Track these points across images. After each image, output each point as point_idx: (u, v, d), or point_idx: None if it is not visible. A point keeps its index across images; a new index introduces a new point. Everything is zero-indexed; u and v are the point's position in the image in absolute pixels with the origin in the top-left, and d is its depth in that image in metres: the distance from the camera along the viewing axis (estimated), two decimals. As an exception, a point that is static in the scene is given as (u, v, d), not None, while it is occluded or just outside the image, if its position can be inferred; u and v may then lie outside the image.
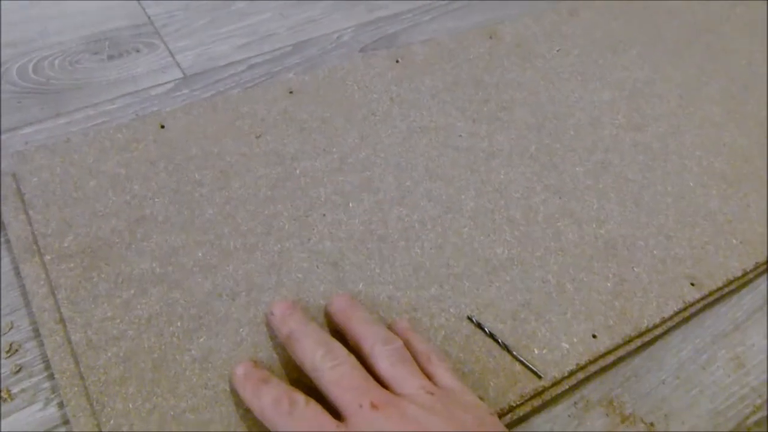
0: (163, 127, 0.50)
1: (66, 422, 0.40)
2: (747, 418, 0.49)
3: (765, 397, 0.50)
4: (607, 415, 0.47)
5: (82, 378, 0.40)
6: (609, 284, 0.48)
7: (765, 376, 0.51)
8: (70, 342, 0.41)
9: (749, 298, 0.55)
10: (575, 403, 0.47)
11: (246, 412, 0.39)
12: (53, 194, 0.46)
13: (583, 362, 0.44)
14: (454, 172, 0.52)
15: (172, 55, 0.59)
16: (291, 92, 0.54)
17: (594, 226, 0.51)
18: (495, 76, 0.62)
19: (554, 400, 0.46)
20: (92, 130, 0.50)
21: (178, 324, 0.42)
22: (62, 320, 0.41)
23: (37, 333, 0.43)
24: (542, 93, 0.60)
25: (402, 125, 0.54)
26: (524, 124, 0.57)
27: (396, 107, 0.55)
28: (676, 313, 0.49)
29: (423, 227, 0.48)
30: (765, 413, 0.49)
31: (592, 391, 0.47)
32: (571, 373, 0.45)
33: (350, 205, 0.48)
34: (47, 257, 0.43)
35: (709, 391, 0.49)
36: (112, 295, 0.42)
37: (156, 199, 0.46)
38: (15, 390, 0.41)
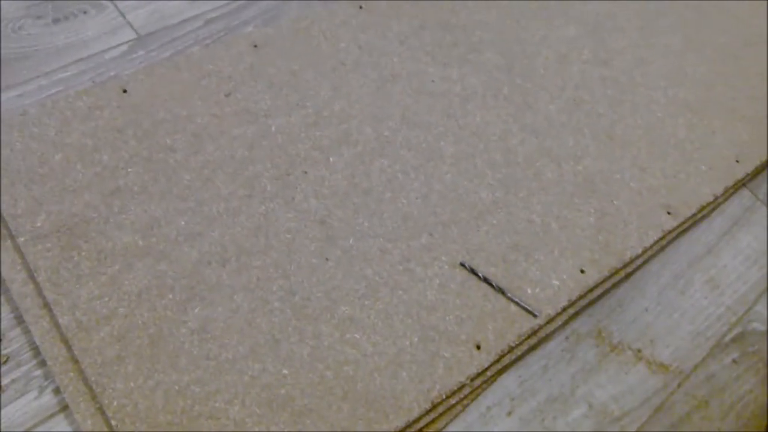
0: (125, 91, 0.48)
1: (64, 408, 0.39)
2: (724, 335, 0.51)
3: (739, 314, 0.52)
4: (597, 345, 0.48)
5: (76, 362, 0.38)
6: (591, 219, 0.49)
7: (738, 295, 0.53)
8: (58, 326, 0.39)
9: (719, 221, 0.57)
10: (567, 337, 0.48)
11: (252, 380, 0.39)
12: (17, 172, 0.43)
13: (574, 297, 0.45)
14: (431, 118, 0.51)
15: (122, 14, 0.56)
16: (255, 46, 0.52)
17: (572, 163, 0.52)
18: (461, 17, 0.61)
19: (547, 337, 0.47)
20: (49, 101, 0.46)
21: (170, 296, 0.40)
22: (47, 304, 0.39)
23: (19, 320, 0.41)
24: (509, 33, 0.59)
25: (373, 74, 0.53)
26: (494, 65, 0.56)
27: (365, 56, 0.54)
28: (656, 242, 0.50)
29: (406, 177, 0.48)
30: (740, 329, 0.52)
31: (581, 324, 0.49)
32: (564, 309, 0.45)
33: (331, 159, 0.47)
34: (21, 239, 0.41)
35: (688, 314, 0.51)
36: (97, 273, 0.40)
37: (129, 169, 0.44)
38: (5, 381, 0.39)
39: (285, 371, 0.39)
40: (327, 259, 0.43)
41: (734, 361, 0.50)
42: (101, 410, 0.37)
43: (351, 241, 0.44)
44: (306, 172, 0.46)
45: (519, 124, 0.53)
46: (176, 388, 0.38)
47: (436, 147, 0.50)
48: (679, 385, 0.48)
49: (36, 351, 0.40)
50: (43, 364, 0.40)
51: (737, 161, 0.56)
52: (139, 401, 0.37)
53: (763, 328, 0.52)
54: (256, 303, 0.41)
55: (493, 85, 0.55)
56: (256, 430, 0.37)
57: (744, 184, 0.59)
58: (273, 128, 0.48)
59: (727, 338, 0.51)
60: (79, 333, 0.38)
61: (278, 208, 0.44)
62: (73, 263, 0.40)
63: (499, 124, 0.52)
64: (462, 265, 0.45)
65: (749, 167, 0.56)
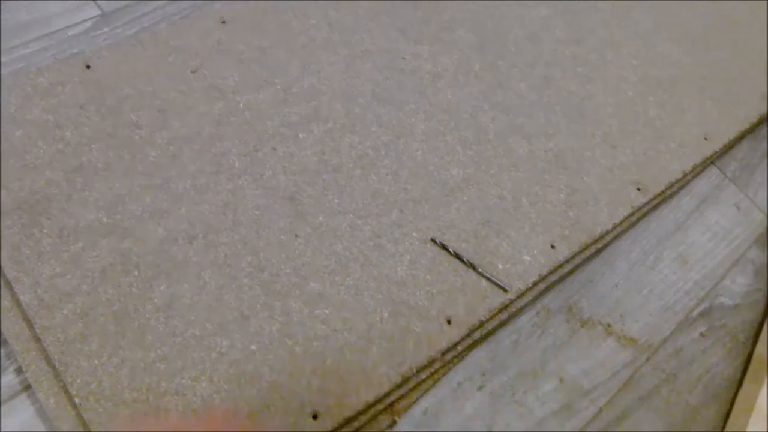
0: (88, 67, 0.46)
1: (27, 387, 0.38)
2: (692, 309, 0.52)
3: (707, 289, 0.53)
4: (567, 321, 0.48)
5: (38, 340, 0.37)
6: (562, 195, 0.49)
7: (706, 270, 0.54)
8: (19, 304, 0.38)
9: (687, 199, 0.57)
10: (537, 312, 0.48)
11: (220, 356, 0.38)
12: (-24, 148, 0.42)
13: (544, 273, 0.46)
14: (402, 95, 0.51)
15: (85, -10, 0.54)
16: (223, 22, 0.51)
17: (543, 140, 0.52)
18: (431, -5, 0.60)
19: (518, 312, 0.47)
20: (10, 77, 0.45)
21: (135, 273, 0.39)
22: (8, 282, 0.38)
23: (-22, 299, 0.40)
24: (481, 11, 0.59)
25: (344, 51, 0.52)
26: (466, 43, 0.56)
27: (336, 33, 0.53)
28: (626, 218, 0.50)
29: (377, 154, 0.47)
30: (708, 304, 0.52)
31: (551, 300, 0.49)
32: (534, 283, 0.46)
33: (300, 136, 0.47)
34: (-20, 217, 0.40)
35: (658, 289, 0.52)
36: (59, 251, 0.39)
37: (92, 146, 0.43)
38: (-36, 360, 0.38)
39: (253, 347, 0.39)
40: (296, 236, 0.43)
41: (702, 334, 0.51)
42: (65, 389, 0.36)
43: (321, 218, 0.44)
44: (275, 149, 0.46)
45: (490, 101, 0.53)
46: (142, 365, 0.37)
47: (407, 124, 0.49)
48: (647, 359, 0.48)
49: (-3, 330, 0.39)
50: (4, 343, 0.39)
51: (706, 139, 0.56)
52: (103, 379, 0.36)
53: (731, 302, 0.53)
54: (224, 280, 0.40)
55: (464, 62, 0.54)
56: (224, 406, 0.37)
57: (712, 162, 0.59)
58: (241, 105, 0.47)
59: (695, 313, 0.52)
60: (41, 311, 0.37)
61: (246, 185, 0.44)
62: (34, 240, 0.39)
63: (470, 102, 0.52)
64: (433, 240, 0.45)
65: (717, 145, 0.56)
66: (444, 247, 0.45)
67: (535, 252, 0.46)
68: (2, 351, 0.39)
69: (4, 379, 0.38)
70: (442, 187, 0.47)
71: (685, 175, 0.54)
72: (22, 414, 0.37)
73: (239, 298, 0.40)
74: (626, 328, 0.49)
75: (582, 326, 0.48)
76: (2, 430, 0.37)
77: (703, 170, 0.58)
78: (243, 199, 0.43)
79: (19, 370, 0.38)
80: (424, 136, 0.49)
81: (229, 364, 0.38)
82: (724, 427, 0.48)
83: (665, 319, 0.50)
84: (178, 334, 0.38)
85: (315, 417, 0.38)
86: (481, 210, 0.47)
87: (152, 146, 0.44)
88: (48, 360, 0.37)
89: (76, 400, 0.35)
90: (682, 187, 0.56)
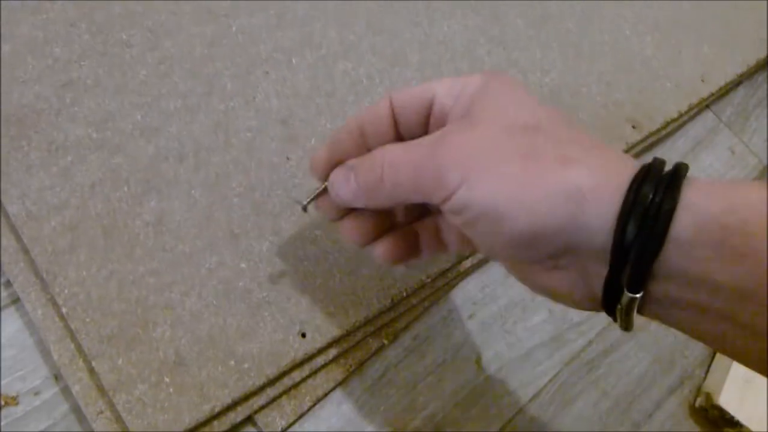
0: (78, -14, 0.46)
1: (15, 300, 0.38)
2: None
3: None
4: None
5: (26, 252, 0.37)
6: (556, 130, 0.49)
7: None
8: (8, 216, 0.37)
9: (682, 141, 0.57)
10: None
11: (210, 272, 0.38)
12: (-38, 62, 0.41)
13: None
14: (397, 25, 0.50)
15: None
16: (216, -53, 0.50)
17: (539, 75, 0.51)
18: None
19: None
20: (-4, -7, 0.44)
21: (125, 189, 0.39)
22: (-6, 195, 0.38)
23: (-34, 213, 0.39)
24: (477, -53, 0.58)
25: (338, -21, 0.51)
26: (463, -23, 0.55)
27: (330, -39, 0.52)
28: (620, 155, 0.50)
29: (371, 81, 0.47)
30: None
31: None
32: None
33: (293, 61, 0.46)
34: (-34, 128, 0.39)
35: (649, 228, 0.52)
36: (48, 164, 0.39)
37: (82, 63, 0.42)
38: (-49, 273, 0.38)
39: (243, 265, 0.39)
40: (288, 158, 0.42)
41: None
42: (52, 300, 0.36)
43: (313, 141, 0.43)
44: (267, 73, 0.45)
45: (486, 35, 0.52)
46: (130, 278, 0.37)
47: (401, 53, 0.49)
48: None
49: (-16, 244, 0.39)
50: (-8, 257, 0.39)
51: (702, 80, 0.56)
52: (91, 290, 0.36)
53: (722, 243, 0.53)
54: (215, 198, 0.40)
55: (461, -4, 0.54)
56: (213, 320, 0.37)
57: (708, 106, 0.59)
58: (234, 28, 0.46)
59: (687, 252, 0.52)
60: (29, 222, 0.37)
61: (238, 107, 0.43)
62: (22, 153, 0.39)
63: (466, 35, 0.51)
64: (425, 168, 0.44)
65: (714, 87, 0.56)
66: (437, 175, 0.44)
67: (528, 183, 0.46)
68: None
69: (-8, 293, 0.38)
70: (436, 116, 0.47)
71: (681, 114, 0.54)
72: (9, 327, 0.37)
73: (229, 216, 0.40)
74: (617, 264, 0.49)
75: (573, 260, 0.48)
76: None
77: (698, 113, 0.58)
78: (235, 121, 0.43)
79: (7, 284, 0.38)
80: (419, 66, 0.48)
81: (218, 281, 0.38)
82: (711, 361, 0.49)
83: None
84: (168, 250, 0.38)
85: (303, 335, 0.38)
86: (475, 140, 0.46)
87: (143, 65, 0.43)
88: (36, 272, 0.37)
89: (64, 310, 0.35)
90: (677, 129, 0.56)
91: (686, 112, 0.54)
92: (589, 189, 0.24)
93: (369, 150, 0.31)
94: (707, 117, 0.59)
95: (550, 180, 0.25)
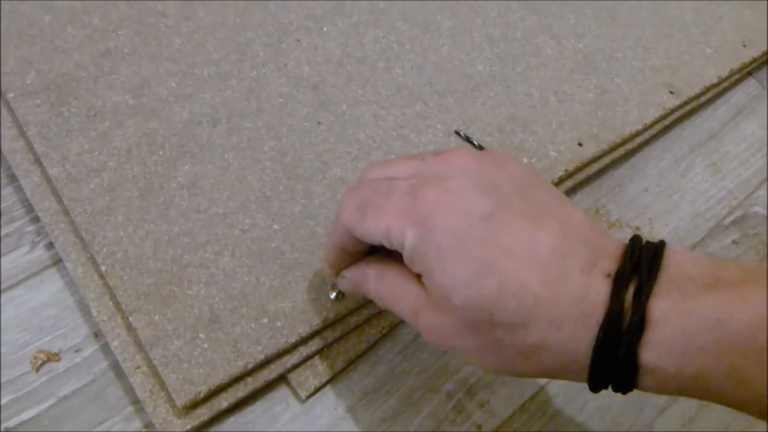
0: (115, -41, 0.47)
1: (57, 262, 0.39)
2: (724, 217, 0.50)
3: (740, 198, 0.51)
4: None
5: (66, 214, 0.38)
6: (591, 95, 0.48)
7: (740, 180, 0.52)
8: (49, 179, 0.39)
9: (723, 108, 0.56)
10: (563, 212, 0.47)
11: (243, 233, 0.39)
12: (6, 33, 0.42)
13: (570, 168, 0.45)
14: (428, -7, 0.50)
15: None
16: None
17: (572, 41, 0.50)
18: None
19: (543, 210, 0.47)
20: (37, -33, 0.46)
21: (160, 153, 0.40)
22: (37, 159, 0.39)
23: (11, 179, 0.41)
24: None
25: (370, -50, 0.52)
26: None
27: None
28: (657, 120, 0.49)
29: (401, 48, 0.47)
30: (741, 212, 0.51)
31: (578, 201, 0.48)
32: (560, 180, 0.45)
33: (324, 29, 0.46)
34: (10, 95, 0.40)
35: (688, 196, 0.51)
36: (86, 129, 0.40)
37: (119, 32, 0.43)
38: (-2, 235, 0.39)
39: (276, 226, 0.39)
40: (319, 123, 0.43)
41: (734, 241, 0.49)
42: (92, 259, 0.37)
43: (344, 107, 0.44)
44: (299, 41, 0.45)
45: (518, 1, 0.51)
46: (166, 238, 0.38)
47: (432, 20, 0.49)
48: (676, 262, 0.47)
49: (28, 207, 0.40)
50: (35, 220, 0.40)
51: (744, 45, 0.54)
52: (128, 249, 0.37)
53: (765, 212, 0.51)
54: (247, 162, 0.41)
55: (493, -35, 0.53)
56: (246, 279, 0.37)
57: (750, 73, 0.57)
58: (266, -2, 0.47)
59: (728, 220, 0.50)
60: (69, 184, 0.38)
61: (270, 74, 0.44)
62: (62, 119, 0.40)
63: (498, 1, 0.51)
64: (457, 133, 0.44)
65: (756, 52, 0.54)
66: (468, 140, 0.44)
67: (562, 148, 0.45)
68: (33, 228, 0.40)
69: (35, 254, 0.39)
70: (467, 81, 0.46)
71: (721, 80, 0.52)
72: (51, 287, 0.38)
73: (261, 180, 0.40)
74: (655, 231, 0.48)
75: (609, 227, 0.48)
76: (34, 303, 0.38)
77: (740, 81, 0.56)
78: (266, 87, 0.43)
79: (49, 246, 0.39)
80: (450, 33, 0.48)
81: (251, 241, 0.38)
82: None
83: (696, 225, 0.49)
84: (202, 211, 0.39)
85: (336, 296, 0.38)
86: (507, 106, 0.46)
87: (177, 34, 0.44)
88: (76, 232, 0.38)
89: (103, 268, 0.36)
90: (717, 96, 0.55)
91: (726, 78, 0.53)
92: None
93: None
94: (750, 84, 0.57)
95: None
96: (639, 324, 0.25)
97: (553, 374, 0.28)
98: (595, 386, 0.27)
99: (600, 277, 0.26)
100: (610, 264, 0.26)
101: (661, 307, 0.25)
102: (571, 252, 0.26)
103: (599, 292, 0.26)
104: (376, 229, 0.28)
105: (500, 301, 0.26)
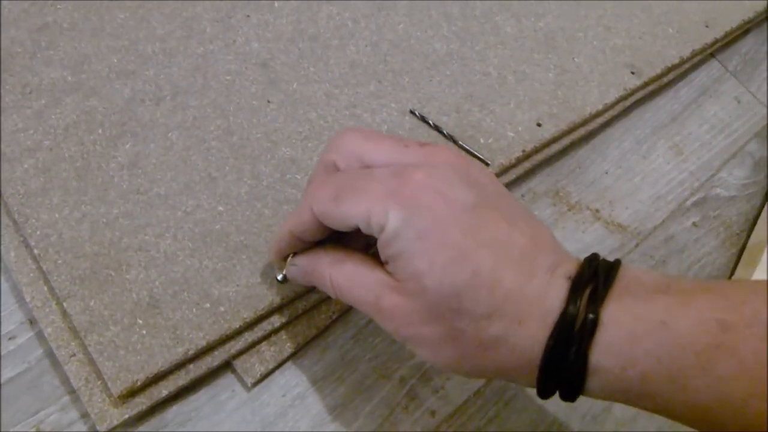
0: (55, -69, 0.45)
1: (-13, 244, 0.37)
2: (686, 199, 0.50)
3: (702, 180, 0.51)
4: (554, 204, 0.47)
5: (-2, 194, 0.36)
6: (550, 75, 0.47)
7: (702, 161, 0.52)
8: (-21, 158, 0.37)
9: (685, 90, 0.55)
10: (522, 195, 0.47)
11: (186, 215, 0.37)
12: (-64, 5, 0.40)
13: (528, 149, 0.44)
14: (385, -30, 0.49)
15: None
16: None
17: (532, 19, 0.49)
18: None
19: (502, 192, 0.46)
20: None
21: (99, 132, 0.38)
22: (-33, 137, 0.37)
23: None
24: None
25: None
26: None
27: None
28: (618, 101, 0.48)
29: (356, 25, 0.45)
30: (703, 194, 0.50)
31: (538, 183, 0.47)
32: (518, 161, 0.44)
33: (276, 4, 0.45)
34: (-61, 71, 0.38)
35: (650, 178, 0.50)
36: (21, 107, 0.38)
37: (58, 6, 0.41)
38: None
39: (221, 208, 0.38)
40: (269, 102, 0.41)
41: (695, 224, 0.49)
42: (25, 243, 0.35)
43: (295, 86, 0.42)
44: (248, 16, 0.44)
45: (478, -20, 0.50)
46: (104, 220, 0.36)
47: (389, -3, 0.47)
48: (636, 245, 0.47)
49: (-42, 187, 0.38)
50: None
51: (707, 26, 0.53)
52: (63, 232, 0.35)
53: (727, 194, 0.51)
54: (192, 141, 0.39)
55: (453, -59, 0.52)
56: (188, 262, 0.36)
57: (713, 54, 0.57)
58: (215, -28, 0.45)
59: (689, 202, 0.50)
60: (2, 164, 0.36)
61: (218, 50, 0.42)
62: (-5, 96, 0.38)
63: (457, -21, 0.50)
64: (412, 112, 0.43)
65: (719, 32, 0.54)
66: (423, 119, 0.43)
67: (520, 128, 0.44)
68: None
69: (-34, 238, 0.37)
70: (423, 60, 0.45)
71: (683, 61, 0.51)
72: (-18, 271, 0.37)
73: (207, 159, 0.39)
74: (615, 214, 0.47)
75: (569, 210, 0.47)
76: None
77: (703, 62, 0.56)
78: (214, 64, 0.42)
79: (-19, 229, 0.38)
80: (407, 10, 0.47)
81: (194, 223, 0.37)
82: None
83: (657, 208, 0.49)
84: (143, 192, 0.37)
85: (283, 279, 0.37)
86: (464, 85, 0.45)
87: (120, 8, 0.42)
88: (8, 214, 0.36)
89: (36, 252, 0.35)
90: (680, 77, 0.54)
91: (689, 59, 0.52)
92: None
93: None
94: (712, 66, 0.56)
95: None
96: (592, 324, 0.25)
97: (504, 373, 0.28)
98: (544, 389, 0.27)
99: (562, 278, 0.27)
100: (572, 268, 0.27)
101: (613, 309, 0.26)
102: (541, 254, 0.28)
103: (559, 292, 0.27)
104: (355, 211, 0.28)
105: (472, 289, 0.26)
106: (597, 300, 0.26)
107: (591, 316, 0.25)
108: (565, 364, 0.26)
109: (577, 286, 0.27)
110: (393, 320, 0.28)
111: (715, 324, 0.24)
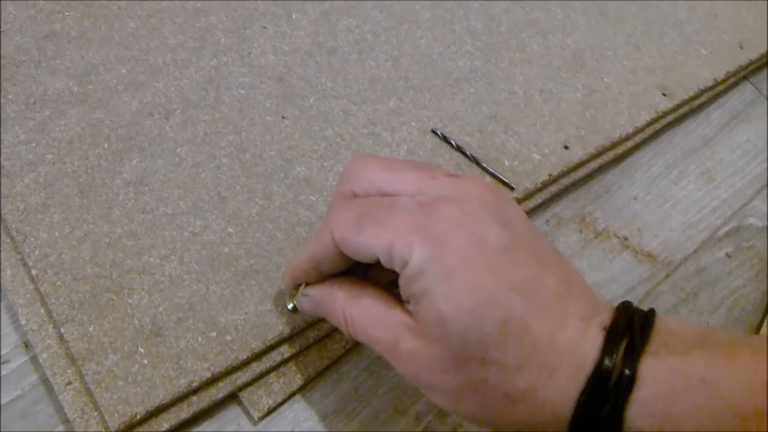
0: (66, -64, 0.43)
1: (-17, 261, 0.35)
2: (718, 228, 0.47)
3: (735, 209, 0.48)
4: (580, 231, 0.44)
5: (-3, 210, 0.34)
6: (579, 95, 0.45)
7: (734, 189, 0.49)
8: (-23, 171, 0.35)
9: (717, 114, 0.53)
10: (547, 220, 0.44)
11: (193, 236, 0.35)
12: (-61, 10, 0.39)
13: (555, 173, 0.42)
14: (407, -18, 0.47)
15: None
16: None
17: (560, 36, 0.47)
18: None
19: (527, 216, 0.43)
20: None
21: (105, 146, 0.36)
22: (-34, 148, 0.35)
23: (-61, 169, 0.37)
24: None
25: (346, -65, 0.48)
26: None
27: None
28: (649, 124, 0.46)
29: (376, 39, 0.43)
30: (736, 224, 0.48)
31: (564, 208, 0.45)
32: (544, 185, 0.42)
33: (293, 16, 0.43)
34: (-61, 79, 0.36)
35: (680, 205, 0.48)
36: (24, 118, 0.36)
37: (66, 13, 0.40)
38: None
39: (230, 230, 0.36)
40: (283, 118, 0.39)
41: (728, 255, 0.46)
42: (23, 261, 0.33)
43: (311, 101, 0.40)
44: (265, 28, 0.42)
45: (504, -6, 0.48)
46: (106, 240, 0.34)
47: (410, 10, 0.45)
48: (666, 276, 0.44)
49: (-44, 202, 0.36)
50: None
51: (741, 47, 0.51)
52: (64, 251, 0.33)
53: (761, 223, 0.49)
54: (202, 158, 0.37)
55: (478, -46, 0.50)
56: (194, 287, 0.34)
57: (746, 78, 0.54)
58: (230, -18, 0.43)
59: (721, 232, 0.47)
60: (2, 178, 0.34)
61: (232, 63, 0.40)
62: (-3, 106, 0.36)
63: (482, -7, 0.48)
64: (433, 132, 0.41)
65: (754, 54, 0.51)
66: (445, 139, 0.41)
67: (546, 151, 0.42)
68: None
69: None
70: (446, 77, 0.43)
71: (717, 83, 0.49)
72: (-23, 290, 0.35)
73: (217, 177, 0.37)
74: (644, 242, 0.45)
75: (596, 237, 0.44)
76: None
77: (736, 84, 0.53)
78: (227, 77, 0.40)
79: (-23, 245, 0.36)
80: (430, 24, 0.45)
81: (202, 245, 0.35)
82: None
83: (688, 237, 0.46)
84: (149, 211, 0.35)
85: (294, 308, 0.35)
86: (489, 104, 0.43)
87: (131, 17, 0.40)
88: (6, 230, 0.34)
89: (33, 272, 0.32)
90: (712, 100, 0.52)
91: (722, 81, 0.50)
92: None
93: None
94: (745, 89, 0.54)
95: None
96: (629, 380, 0.23)
97: (529, 428, 0.26)
98: None
99: (597, 328, 0.25)
100: (606, 317, 0.26)
101: (650, 364, 0.24)
102: (574, 300, 0.26)
103: (593, 344, 0.25)
104: (376, 241, 0.25)
105: (501, 337, 0.24)
106: (634, 354, 0.24)
107: (627, 371, 0.23)
108: (598, 421, 0.24)
109: (612, 337, 0.24)
110: (411, 366, 0.26)
111: (764, 387, 0.22)
